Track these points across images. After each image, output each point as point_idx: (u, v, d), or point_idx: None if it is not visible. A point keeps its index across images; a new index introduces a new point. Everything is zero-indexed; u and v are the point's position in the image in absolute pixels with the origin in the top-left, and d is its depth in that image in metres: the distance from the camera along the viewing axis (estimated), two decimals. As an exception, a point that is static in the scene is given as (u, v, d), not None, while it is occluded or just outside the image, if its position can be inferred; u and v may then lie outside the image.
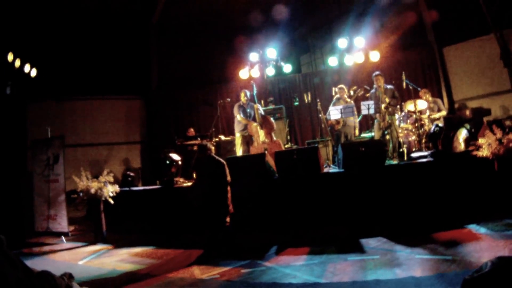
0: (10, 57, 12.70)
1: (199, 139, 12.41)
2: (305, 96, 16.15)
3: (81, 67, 15.32)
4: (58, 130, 12.96)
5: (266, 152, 10.07)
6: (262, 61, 15.35)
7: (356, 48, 14.48)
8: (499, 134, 7.62)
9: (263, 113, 12.09)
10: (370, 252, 6.44)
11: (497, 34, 12.85)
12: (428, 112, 11.73)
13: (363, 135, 13.05)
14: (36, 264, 7.04)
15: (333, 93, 12.98)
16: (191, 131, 14.48)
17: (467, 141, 10.28)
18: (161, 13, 16.89)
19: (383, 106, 11.05)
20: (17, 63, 12.94)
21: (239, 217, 8.77)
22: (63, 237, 10.40)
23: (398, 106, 11.84)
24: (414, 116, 11.26)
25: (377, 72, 11.72)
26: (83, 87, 15.76)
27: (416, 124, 11.22)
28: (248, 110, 11.97)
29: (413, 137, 11.58)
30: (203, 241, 8.02)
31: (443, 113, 12.06)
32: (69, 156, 13.21)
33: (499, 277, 3.15)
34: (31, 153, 12.02)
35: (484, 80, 13.88)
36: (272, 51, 15.04)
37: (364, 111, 11.17)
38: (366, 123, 14.08)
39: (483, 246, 5.92)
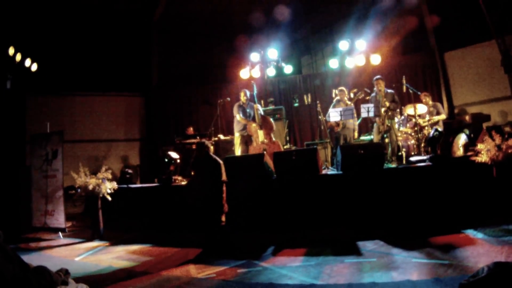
0: (11, 51, 12.71)
1: (198, 138, 12.42)
2: (305, 97, 16.16)
3: (81, 63, 15.33)
4: (57, 125, 12.93)
5: (265, 152, 10.06)
6: (263, 62, 15.36)
7: (357, 51, 14.49)
8: (498, 140, 7.63)
9: (262, 113, 12.08)
10: (367, 254, 6.44)
11: (499, 40, 12.84)
12: (427, 117, 11.73)
13: (362, 137, 13.06)
14: (32, 259, 7.03)
15: (333, 95, 12.97)
16: (190, 130, 14.47)
17: (466, 147, 10.29)
18: (163, 11, 16.89)
19: (383, 110, 11.04)
20: (18, 57, 12.96)
21: (236, 217, 8.80)
22: (60, 233, 10.40)
23: (398, 110, 11.83)
24: (413, 120, 11.26)
25: (378, 76, 11.72)
26: (83, 83, 15.77)
27: (416, 128, 11.22)
28: (247, 110, 11.95)
29: (412, 141, 11.58)
30: (200, 240, 8.01)
31: (443, 116, 12.07)
32: (68, 151, 13.20)
33: (496, 282, 3.16)
34: (30, 148, 12.00)
35: (484, 86, 13.90)
36: (273, 52, 15.05)
37: (364, 114, 11.16)
38: (366, 126, 14.10)
39: (480, 251, 5.92)
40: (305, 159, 9.12)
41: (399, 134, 11.56)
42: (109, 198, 9.87)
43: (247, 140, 11.92)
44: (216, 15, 16.69)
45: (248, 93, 12.11)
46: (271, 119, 12.08)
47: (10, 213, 11.36)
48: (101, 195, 9.84)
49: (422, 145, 11.04)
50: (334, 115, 11.46)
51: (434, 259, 5.76)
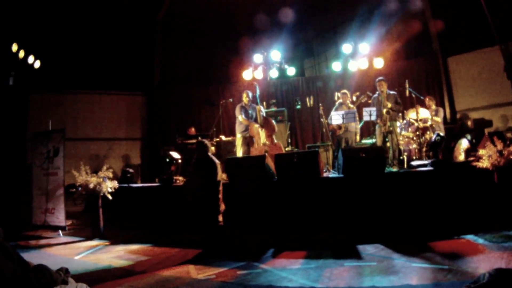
0: (14, 47, 12.72)
1: (199, 138, 12.40)
2: (307, 99, 16.18)
3: (84, 61, 15.35)
4: (59, 123, 12.97)
5: (266, 154, 10.06)
6: (266, 63, 15.39)
7: (361, 54, 14.52)
8: (499, 145, 7.62)
9: (265, 115, 12.08)
10: (367, 258, 6.43)
11: (502, 46, 12.83)
12: (429, 121, 11.73)
13: (364, 141, 13.05)
14: (32, 257, 7.02)
15: (336, 98, 13.01)
16: (192, 130, 14.47)
17: (468, 152, 10.27)
18: (167, 10, 16.92)
19: (384, 111, 11.04)
20: (21, 54, 12.97)
21: (237, 218, 8.80)
22: (60, 231, 10.39)
23: (400, 114, 11.83)
24: (415, 124, 11.26)
25: (380, 77, 11.71)
26: (85, 81, 15.79)
27: (417, 133, 11.22)
28: (250, 111, 11.95)
29: (413, 145, 11.58)
30: (200, 240, 8.00)
31: (436, 119, 11.98)
32: (69, 149, 13.19)
33: (497, 289, 3.16)
34: (31, 145, 12.00)
35: (487, 91, 13.90)
36: (276, 54, 15.08)
37: (366, 118, 11.16)
38: (368, 129, 14.08)
39: (480, 256, 5.91)
40: (306, 162, 9.11)
41: (400, 138, 11.56)
42: (110, 197, 9.85)
43: (248, 142, 11.91)
44: (219, 16, 16.70)
45: (250, 94, 12.11)
46: (273, 121, 12.08)
47: (10, 211, 11.36)
48: (101, 194, 9.83)
49: (424, 149, 11.06)
50: (336, 118, 11.46)
51: (434, 264, 5.75)
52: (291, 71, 15.75)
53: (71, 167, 10.58)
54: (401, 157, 11.26)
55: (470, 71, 14.40)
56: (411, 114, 11.73)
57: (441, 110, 12.31)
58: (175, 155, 12.23)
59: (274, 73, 15.63)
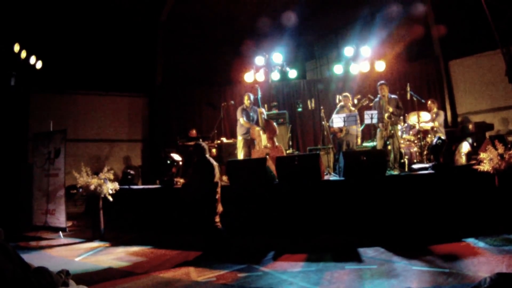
0: (16, 48, 12.73)
1: (200, 140, 12.40)
2: (308, 102, 16.17)
3: (86, 61, 15.34)
4: (60, 123, 12.92)
5: (267, 156, 10.06)
6: (268, 65, 15.41)
7: (362, 57, 14.54)
8: (501, 149, 7.64)
9: (266, 117, 12.08)
10: (367, 261, 6.44)
11: (504, 50, 12.84)
12: (431, 124, 11.73)
13: (365, 144, 13.04)
14: (32, 258, 7.02)
15: (337, 101, 12.97)
16: (193, 132, 14.48)
17: (469, 155, 10.29)
18: (169, 12, 16.94)
19: (386, 115, 11.04)
20: (23, 54, 12.98)
21: (237, 221, 8.79)
22: (60, 233, 10.39)
23: (401, 117, 11.83)
24: (416, 127, 11.26)
25: (382, 81, 11.71)
26: (87, 82, 15.79)
27: (418, 136, 11.22)
28: (251, 114, 11.94)
29: (414, 149, 11.58)
30: (200, 242, 7.99)
31: (436, 123, 11.98)
32: (70, 150, 13.21)
33: (498, 293, 3.14)
34: (32, 146, 12.01)
35: (488, 95, 13.91)
36: (278, 56, 15.09)
37: (367, 121, 11.16)
38: (369, 132, 14.08)
39: (481, 260, 5.92)
40: (307, 165, 9.10)
41: (402, 141, 11.56)
42: (111, 199, 9.87)
43: (249, 144, 11.90)
44: (222, 18, 16.72)
45: (252, 96, 12.10)
46: (275, 123, 12.08)
47: (10, 211, 11.36)
48: (102, 196, 9.85)
49: (425, 152, 11.06)
50: (337, 121, 11.46)
51: (435, 267, 5.75)
52: (292, 73, 15.76)
53: (72, 168, 10.61)
54: (402, 160, 11.27)
55: (471, 74, 14.40)
56: (412, 118, 11.72)
57: (441, 113, 12.29)
58: (176, 157, 12.22)
59: (275, 76, 15.65)
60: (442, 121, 12.15)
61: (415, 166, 10.03)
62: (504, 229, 7.33)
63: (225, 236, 7.77)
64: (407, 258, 6.34)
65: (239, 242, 8.41)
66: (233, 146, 12.88)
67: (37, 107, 15.02)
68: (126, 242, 9.25)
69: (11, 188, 11.82)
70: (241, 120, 11.81)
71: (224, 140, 13.28)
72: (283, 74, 15.68)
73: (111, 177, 10.07)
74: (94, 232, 9.86)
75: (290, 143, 14.42)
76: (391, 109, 11.07)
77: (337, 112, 11.97)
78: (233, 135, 13.62)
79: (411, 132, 11.98)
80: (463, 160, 10.30)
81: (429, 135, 11.53)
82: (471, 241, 7.06)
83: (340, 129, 11.86)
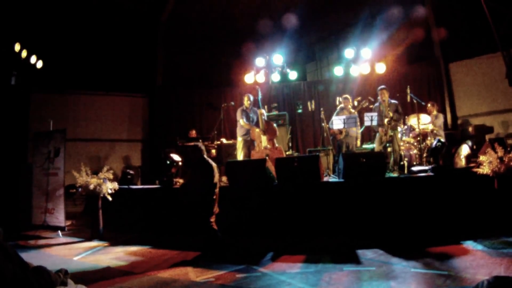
0: (17, 47, 12.75)
1: (200, 140, 12.40)
2: (309, 104, 16.18)
3: (87, 61, 15.35)
4: (60, 122, 12.94)
5: (267, 158, 10.06)
6: (268, 67, 15.43)
7: (363, 59, 14.54)
8: (500, 152, 7.64)
9: (266, 118, 12.08)
10: (366, 263, 6.43)
11: (504, 53, 12.86)
12: (431, 126, 11.74)
13: (364, 146, 13.07)
14: (31, 257, 7.02)
15: (337, 103, 13.01)
16: (193, 132, 14.49)
17: (468, 158, 10.29)
18: (170, 13, 16.96)
19: (386, 120, 11.05)
20: (24, 53, 13.00)
21: (236, 222, 8.80)
22: (59, 232, 10.39)
23: (401, 120, 11.84)
24: (416, 130, 11.26)
25: (382, 86, 11.72)
26: (88, 81, 15.80)
27: (418, 138, 11.22)
28: (251, 115, 11.95)
29: (414, 151, 11.59)
30: (199, 243, 7.99)
31: (435, 126, 11.99)
32: (70, 150, 13.22)
33: (495, 296, 3.15)
34: (32, 145, 12.01)
35: (488, 98, 13.92)
36: (278, 57, 15.11)
37: (367, 123, 11.18)
38: (369, 134, 14.11)
39: (479, 262, 5.91)
40: (307, 166, 9.11)
41: (401, 144, 11.57)
42: (110, 198, 9.87)
43: (249, 145, 11.92)
44: (223, 19, 16.73)
45: (251, 97, 12.10)
46: (275, 125, 12.08)
47: (10, 210, 11.36)
48: (101, 195, 9.84)
49: (424, 155, 11.06)
50: (337, 122, 11.47)
51: (433, 269, 5.75)
52: (293, 75, 15.78)
53: (72, 167, 10.60)
54: (402, 163, 11.27)
55: (471, 77, 14.41)
56: (412, 120, 11.73)
57: (440, 116, 12.29)
58: (176, 157, 12.21)
59: (276, 77, 15.67)
60: (441, 124, 12.15)
61: (414, 169, 10.04)
62: (503, 232, 7.33)
63: (220, 237, 7.77)
64: (406, 260, 6.33)
65: (238, 243, 8.43)
66: (233, 147, 12.88)
67: (37, 106, 15.02)
68: (125, 241, 9.24)
69: (11, 187, 11.83)
70: (241, 121, 11.82)
71: (224, 141, 13.28)
72: (284, 75, 15.70)
73: (111, 176, 10.07)
74: (93, 231, 9.85)
75: (290, 145, 14.44)
76: (391, 114, 11.08)
77: (337, 114, 11.98)
78: (233, 136, 13.61)
79: (411, 135, 11.98)
80: (462, 162, 10.31)
81: (429, 138, 11.53)
82: (469, 243, 7.06)
83: (340, 131, 11.87)
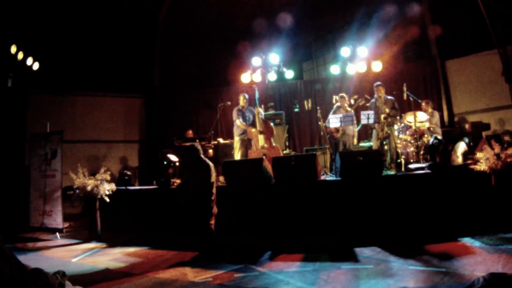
0: (13, 49, 12.73)
1: (197, 141, 12.37)
2: (305, 102, 16.15)
3: (84, 62, 15.31)
4: (58, 124, 12.91)
5: (264, 157, 10.05)
6: (265, 66, 15.39)
7: (359, 58, 14.52)
8: (497, 149, 7.66)
9: (263, 117, 12.06)
10: (363, 261, 6.44)
11: (500, 50, 12.89)
12: (427, 124, 11.73)
13: (361, 144, 13.06)
14: (29, 259, 7.06)
15: (334, 101, 12.97)
16: (190, 132, 14.47)
17: (465, 155, 10.31)
18: (167, 13, 16.96)
19: (382, 116, 11.06)
20: (20, 55, 12.98)
21: (234, 221, 8.80)
22: (57, 234, 10.39)
23: (398, 117, 11.85)
24: (413, 127, 11.27)
25: (378, 82, 11.73)
26: (85, 82, 15.77)
27: (415, 136, 11.23)
28: (246, 114, 11.93)
29: (411, 149, 11.59)
30: (197, 243, 7.99)
31: (432, 124, 11.98)
32: (67, 151, 13.21)
33: (491, 293, 3.16)
34: (30, 147, 12.00)
35: (485, 95, 13.94)
36: (275, 57, 15.10)
37: (363, 121, 11.17)
38: (365, 132, 14.11)
39: (477, 259, 5.93)
40: (304, 165, 9.11)
41: (398, 141, 11.57)
42: (107, 200, 9.85)
43: (246, 144, 11.89)
44: (219, 19, 16.72)
45: (247, 96, 12.09)
46: (272, 124, 12.07)
47: (8, 212, 11.36)
48: (99, 197, 9.82)
49: (421, 152, 11.06)
50: (334, 121, 11.46)
51: (431, 266, 5.76)
52: (289, 74, 15.76)
53: (69, 169, 10.57)
54: (399, 160, 11.28)
55: (468, 74, 14.44)
56: (409, 118, 11.73)
57: (436, 114, 12.27)
58: (173, 157, 12.21)
59: (272, 76, 15.64)
60: (437, 121, 12.15)
61: (411, 166, 10.06)
62: (500, 228, 7.35)
63: (218, 238, 7.77)
64: (404, 258, 6.35)
65: (236, 242, 8.43)
66: (230, 147, 12.85)
67: (34, 108, 14.98)
68: (123, 243, 9.24)
69: (8, 189, 11.83)
70: (238, 121, 11.79)
71: (221, 140, 13.25)
72: (280, 74, 15.68)
73: (108, 178, 10.05)
74: (91, 233, 9.85)
75: (287, 144, 14.44)
76: (387, 110, 11.09)
77: (334, 113, 11.98)
78: (230, 135, 13.58)
79: (407, 132, 11.98)
80: (459, 160, 10.32)
81: (426, 135, 11.53)
82: (467, 240, 7.07)
83: (337, 130, 11.88)
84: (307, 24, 16.94)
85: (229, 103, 13.19)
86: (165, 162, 12.34)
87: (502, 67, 13.00)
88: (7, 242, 9.27)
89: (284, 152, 13.17)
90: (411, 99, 11.74)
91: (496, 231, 7.26)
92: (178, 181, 11.10)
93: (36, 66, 13.64)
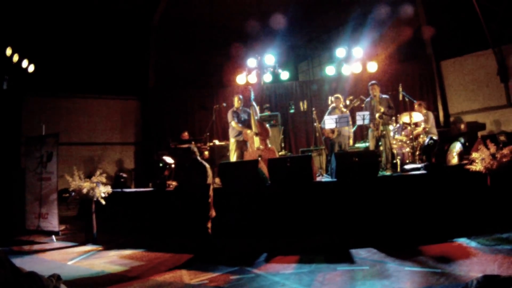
0: (8, 51, 12.70)
1: (193, 142, 12.37)
2: (301, 104, 16.15)
3: (79, 65, 15.25)
4: (53, 127, 12.86)
5: (259, 159, 10.05)
6: (260, 67, 15.39)
7: (354, 58, 14.55)
8: (493, 149, 7.67)
9: (258, 117, 12.05)
10: (359, 262, 6.44)
11: (495, 50, 12.92)
12: (423, 125, 11.73)
13: (357, 145, 13.08)
14: (25, 263, 7.01)
15: (329, 102, 12.97)
16: (185, 134, 14.44)
17: (461, 155, 10.31)
18: (162, 15, 16.94)
19: (377, 115, 11.06)
20: (15, 58, 12.96)
21: (229, 223, 8.79)
22: (53, 236, 10.35)
23: (394, 118, 11.86)
24: (408, 128, 11.28)
25: (373, 81, 11.73)
26: (80, 85, 15.69)
27: (411, 136, 11.24)
28: (241, 115, 11.92)
29: (407, 149, 11.59)
30: (193, 246, 7.99)
31: (427, 125, 11.97)
32: (63, 154, 13.11)
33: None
34: (25, 150, 11.98)
35: (480, 95, 13.96)
36: (270, 58, 15.10)
37: (359, 122, 11.17)
38: (361, 133, 14.11)
39: (473, 260, 5.93)
40: (299, 166, 9.11)
41: (394, 142, 11.58)
42: (103, 202, 9.83)
43: (242, 146, 11.88)
44: (214, 20, 16.71)
45: (241, 97, 12.09)
46: (267, 125, 12.06)
47: (3, 215, 11.33)
48: (95, 199, 9.81)
49: (417, 153, 11.06)
50: (329, 122, 11.46)
51: (427, 267, 5.76)
52: (284, 75, 15.77)
53: (65, 171, 10.54)
54: (394, 161, 11.29)
55: (463, 74, 14.45)
56: (404, 118, 11.74)
57: (430, 114, 12.26)
58: (169, 159, 12.19)
59: (268, 78, 15.64)
60: (432, 123, 12.16)
61: (407, 167, 10.06)
62: (496, 228, 7.34)
63: (215, 242, 7.77)
64: (399, 259, 6.35)
65: (232, 244, 8.42)
66: (226, 148, 12.87)
67: (29, 110, 14.93)
68: (119, 245, 9.22)
69: (4, 192, 11.80)
70: (233, 123, 11.78)
71: (217, 142, 13.27)
72: (275, 76, 15.68)
73: (104, 180, 10.03)
74: (87, 235, 9.82)
75: (283, 145, 14.44)
76: (382, 109, 11.09)
77: (329, 114, 11.97)
78: (225, 137, 13.58)
79: (403, 133, 11.99)
80: (455, 160, 10.32)
81: (421, 136, 11.53)
82: (463, 241, 7.07)
83: (332, 130, 11.86)
84: (302, 25, 16.96)
85: (224, 104, 13.18)
86: (160, 164, 12.32)
87: (497, 66, 13.03)
88: (3, 245, 9.25)
89: (280, 153, 13.18)
90: (407, 99, 11.75)
91: (492, 231, 7.26)
92: (174, 183, 11.09)
93: (31, 68, 13.62)
